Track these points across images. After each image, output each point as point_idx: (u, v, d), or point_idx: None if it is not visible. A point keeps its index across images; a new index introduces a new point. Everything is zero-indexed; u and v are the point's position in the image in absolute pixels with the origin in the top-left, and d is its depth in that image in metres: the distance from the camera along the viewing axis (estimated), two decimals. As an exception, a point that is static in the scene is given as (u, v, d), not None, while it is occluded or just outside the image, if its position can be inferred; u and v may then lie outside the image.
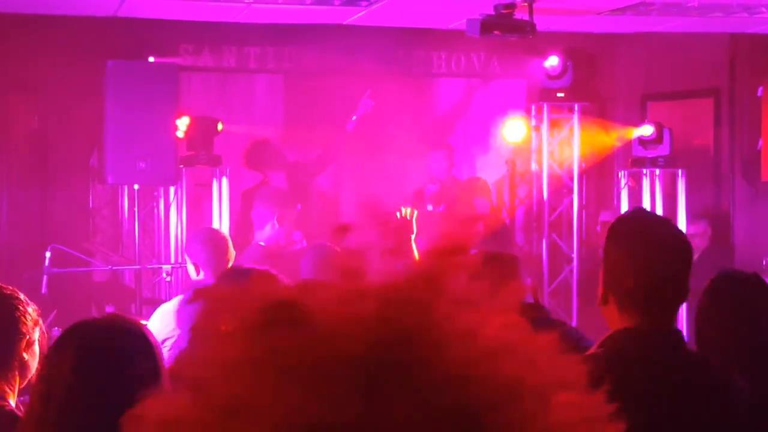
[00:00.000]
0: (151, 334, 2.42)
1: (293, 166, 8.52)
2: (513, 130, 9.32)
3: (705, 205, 9.17)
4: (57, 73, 7.96)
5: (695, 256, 8.45)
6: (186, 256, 5.16)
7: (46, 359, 2.40)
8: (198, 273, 4.90)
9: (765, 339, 3.14)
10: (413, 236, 5.35)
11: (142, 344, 2.35)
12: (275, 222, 7.01)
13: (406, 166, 9.34)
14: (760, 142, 7.65)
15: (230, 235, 7.85)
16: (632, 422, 2.38)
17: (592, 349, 2.62)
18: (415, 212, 5.48)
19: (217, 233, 5.20)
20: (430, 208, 7.75)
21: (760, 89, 7.76)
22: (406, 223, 5.38)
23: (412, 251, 5.34)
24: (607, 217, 8.80)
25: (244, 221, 7.75)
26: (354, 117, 8.47)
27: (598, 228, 8.73)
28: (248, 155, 8.41)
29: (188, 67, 8.73)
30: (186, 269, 5.47)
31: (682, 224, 7.59)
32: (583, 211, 9.60)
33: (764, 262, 8.74)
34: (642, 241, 2.51)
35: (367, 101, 8.46)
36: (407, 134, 9.27)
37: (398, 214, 5.44)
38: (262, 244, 7.06)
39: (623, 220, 2.63)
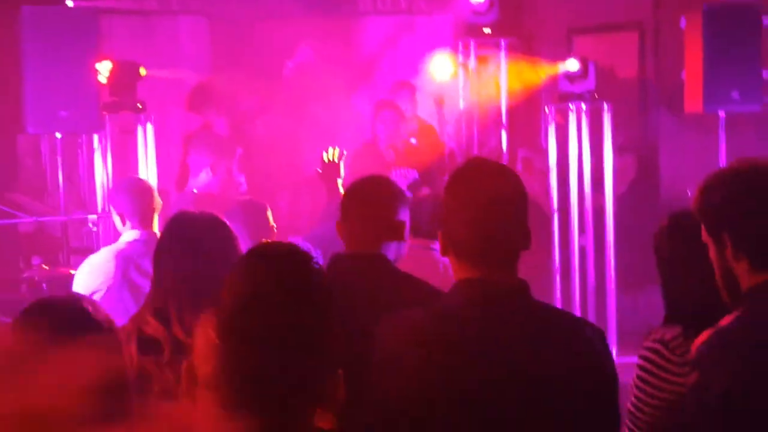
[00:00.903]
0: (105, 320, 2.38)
1: (235, 111, 8.41)
2: (440, 67, 9.29)
3: (631, 138, 9.26)
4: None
5: (623, 188, 8.52)
6: (111, 207, 5.09)
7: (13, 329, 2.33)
8: (124, 224, 4.83)
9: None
10: (340, 180, 5.34)
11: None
12: (209, 170, 6.95)
13: (335, 108, 9.29)
14: (684, 73, 7.71)
15: (169, 180, 7.81)
16: (470, 373, 2.38)
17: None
18: (344, 153, 5.45)
19: (141, 182, 5.13)
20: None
21: (683, 20, 7.81)
22: (333, 166, 5.37)
23: (339, 194, 5.34)
24: (526, 153, 8.85)
25: (185, 166, 7.66)
26: (290, 64, 8.37)
27: (519, 166, 8.77)
28: (191, 98, 8.27)
29: (108, 10, 8.55)
30: (111, 218, 5.40)
31: (608, 158, 7.66)
32: (512, 146, 9.64)
33: (689, 192, 8.87)
34: (471, 193, 2.48)
35: (305, 49, 8.36)
36: (334, 75, 9.20)
37: (324, 155, 5.41)
38: (195, 191, 7.00)
39: (456, 171, 2.59)
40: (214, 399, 1.54)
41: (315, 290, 1.57)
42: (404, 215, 3.26)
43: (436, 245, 4.40)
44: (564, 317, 2.58)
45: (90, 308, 2.37)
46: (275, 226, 5.11)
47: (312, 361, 1.55)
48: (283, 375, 1.52)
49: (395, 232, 3.20)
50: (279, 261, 1.59)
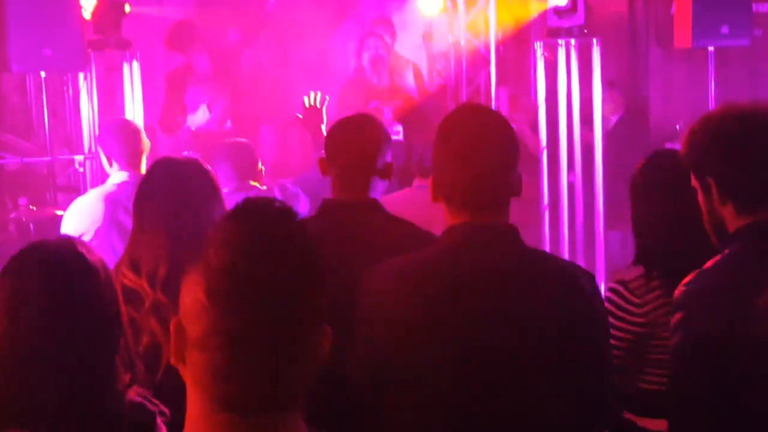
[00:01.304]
0: (99, 263, 2.37)
1: (216, 48, 8.32)
2: (428, 2, 9.20)
3: (620, 73, 9.22)
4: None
5: (611, 124, 8.49)
6: (99, 148, 5.06)
7: (7, 284, 2.31)
8: (111, 165, 4.81)
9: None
10: (323, 124, 5.27)
11: (100, 272, 2.35)
12: (206, 108, 6.93)
13: (320, 43, 9.21)
14: (673, 8, 7.66)
15: (156, 119, 7.75)
16: (459, 318, 2.39)
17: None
18: (327, 98, 5.37)
19: (129, 123, 5.09)
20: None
21: (673, -47, 7.74)
22: (315, 110, 5.28)
23: (323, 138, 5.29)
24: (512, 90, 8.79)
25: (169, 104, 7.61)
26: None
27: (505, 104, 8.71)
28: (170, 37, 8.18)
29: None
30: (99, 159, 5.37)
31: (597, 94, 7.63)
32: (501, 83, 9.59)
33: (678, 127, 8.87)
34: (461, 137, 2.49)
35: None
36: (321, 9, 9.12)
37: (306, 101, 5.32)
38: (192, 129, 6.98)
39: (447, 116, 2.58)
40: (204, 358, 1.54)
41: (303, 249, 1.57)
42: (390, 155, 3.24)
43: None
44: (554, 261, 2.58)
45: (84, 251, 2.37)
46: (263, 168, 5.09)
47: (302, 319, 1.54)
48: (274, 336, 1.52)
49: (383, 173, 3.19)
50: (266, 220, 1.58)
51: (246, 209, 1.61)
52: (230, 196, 4.89)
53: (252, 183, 5.02)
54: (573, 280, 2.46)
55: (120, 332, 2.37)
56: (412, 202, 3.45)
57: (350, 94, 7.36)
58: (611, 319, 3.23)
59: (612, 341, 3.23)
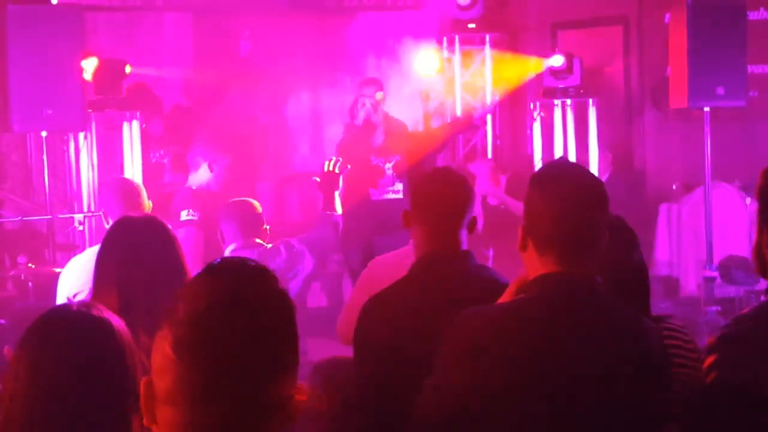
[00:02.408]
0: (123, 331, 2.35)
1: (173, 110, 8.36)
2: (425, 62, 9.30)
3: (616, 134, 9.29)
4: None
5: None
6: (101, 207, 5.08)
7: (31, 346, 2.26)
8: (108, 223, 4.81)
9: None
10: (337, 191, 5.31)
11: (111, 346, 2.30)
12: (206, 167, 6.96)
13: (321, 102, 9.30)
14: (669, 69, 7.74)
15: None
16: (547, 364, 2.42)
17: (507, 295, 2.65)
18: (348, 166, 5.42)
19: (129, 183, 5.10)
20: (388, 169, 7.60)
21: (668, 15, 7.84)
22: (332, 176, 5.32)
23: (334, 205, 5.32)
24: (485, 165, 8.75)
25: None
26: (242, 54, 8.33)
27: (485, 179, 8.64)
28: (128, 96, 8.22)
29: (93, 7, 8.52)
30: (98, 217, 5.40)
31: (594, 153, 7.69)
32: (497, 141, 9.67)
33: (674, 186, 8.93)
34: (558, 188, 2.55)
35: (245, 44, 8.33)
36: (320, 70, 9.21)
37: (326, 165, 5.36)
38: (194, 188, 7.01)
39: (545, 167, 2.70)
40: (173, 414, 1.54)
41: (274, 306, 1.57)
42: (475, 209, 3.31)
43: None
44: (629, 310, 2.64)
45: (109, 318, 2.34)
46: (268, 228, 5.11)
47: (270, 374, 1.55)
48: (240, 388, 1.52)
49: (470, 227, 3.24)
50: (237, 276, 1.59)
51: (219, 266, 1.62)
52: (236, 253, 4.91)
53: (257, 241, 5.05)
54: (655, 334, 2.57)
55: (137, 400, 2.32)
56: (411, 259, 3.45)
57: (348, 152, 7.41)
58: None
59: None
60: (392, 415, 2.94)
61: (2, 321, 6.01)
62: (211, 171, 6.98)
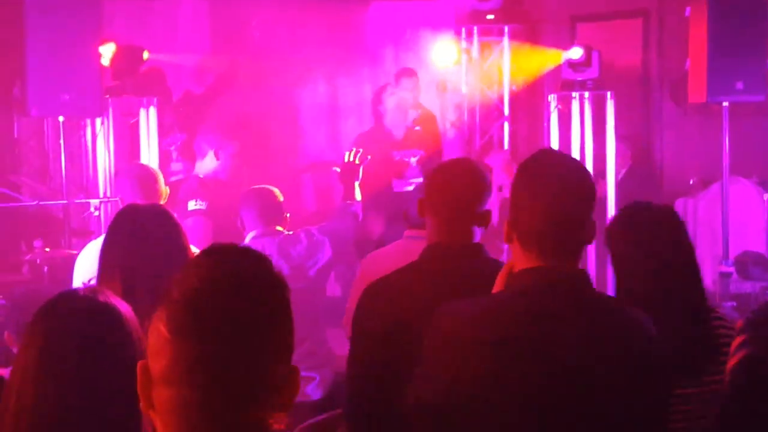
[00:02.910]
0: (130, 317, 2.35)
1: (183, 98, 8.34)
2: (443, 53, 9.27)
3: (633, 127, 9.25)
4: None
5: (617, 176, 8.48)
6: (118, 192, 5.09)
7: (39, 332, 2.27)
8: (125, 209, 4.83)
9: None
10: (357, 182, 5.33)
11: (117, 331, 2.30)
12: (213, 155, 6.98)
13: (337, 91, 9.28)
14: (688, 63, 7.69)
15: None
16: (524, 359, 2.39)
17: (496, 286, 2.63)
18: (368, 157, 5.44)
19: (145, 169, 5.11)
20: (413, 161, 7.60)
21: (688, 9, 7.79)
22: (353, 167, 5.36)
23: (354, 195, 5.34)
24: (500, 157, 8.75)
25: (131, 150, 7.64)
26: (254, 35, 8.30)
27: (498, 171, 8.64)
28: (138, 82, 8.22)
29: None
30: (114, 203, 5.40)
31: (611, 147, 7.66)
32: (514, 133, 9.64)
33: (691, 181, 8.88)
34: (543, 182, 2.50)
35: (254, 32, 8.31)
36: (338, 60, 9.19)
37: (346, 156, 5.40)
38: (201, 176, 7.02)
39: (530, 159, 2.61)
40: (169, 395, 1.55)
41: (267, 286, 1.57)
42: (490, 203, 3.26)
43: None
44: (621, 307, 2.58)
45: (116, 304, 2.35)
46: (288, 214, 5.12)
47: (262, 354, 1.55)
48: (236, 370, 1.52)
49: (481, 221, 3.18)
50: (231, 258, 1.60)
51: (213, 250, 1.63)
52: (256, 240, 4.92)
53: (278, 228, 5.05)
54: (642, 327, 2.48)
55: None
56: (405, 254, 3.44)
57: (368, 143, 7.41)
58: None
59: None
60: (385, 404, 2.92)
61: (2, 301, 6.03)
62: (218, 159, 6.98)
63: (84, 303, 2.31)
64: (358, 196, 5.35)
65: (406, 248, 4.30)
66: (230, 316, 1.53)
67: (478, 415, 2.40)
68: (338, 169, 5.39)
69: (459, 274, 3.07)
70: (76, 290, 2.39)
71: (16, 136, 8.60)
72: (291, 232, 5.06)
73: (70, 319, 2.28)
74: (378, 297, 3.17)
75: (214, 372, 1.52)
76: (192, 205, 6.66)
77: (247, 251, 1.62)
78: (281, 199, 5.13)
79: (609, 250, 3.38)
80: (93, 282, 4.37)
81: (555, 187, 2.49)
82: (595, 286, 2.60)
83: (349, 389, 3.19)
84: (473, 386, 2.39)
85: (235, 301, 1.54)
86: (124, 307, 2.34)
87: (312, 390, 5.02)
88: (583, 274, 2.50)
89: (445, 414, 2.44)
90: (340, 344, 4.94)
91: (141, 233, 3.27)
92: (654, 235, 3.25)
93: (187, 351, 1.53)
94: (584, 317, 2.44)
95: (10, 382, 2.27)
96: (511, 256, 2.59)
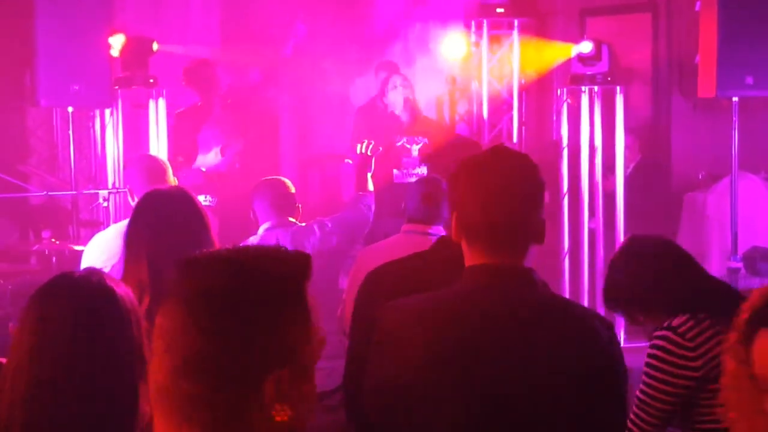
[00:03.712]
0: (127, 298, 2.37)
1: (230, 90, 8.37)
2: (453, 46, 9.27)
3: (643, 121, 9.23)
4: (-15, -8, 7.75)
5: (627, 170, 8.44)
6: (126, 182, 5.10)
7: (34, 312, 2.31)
8: (133, 199, 4.83)
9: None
10: (370, 173, 5.36)
11: (113, 312, 2.33)
12: (218, 151, 6.98)
13: (346, 83, 9.27)
14: (698, 58, 7.67)
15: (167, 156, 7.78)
16: (480, 357, 2.35)
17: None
18: (380, 148, 5.46)
19: (154, 160, 5.12)
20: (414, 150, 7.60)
21: (698, 3, 7.76)
22: (365, 158, 5.39)
23: (366, 186, 5.36)
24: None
25: (176, 143, 7.65)
26: (289, 45, 8.32)
27: None
28: (187, 74, 8.23)
29: (121, -16, 8.53)
30: (123, 194, 5.41)
31: (620, 141, 7.64)
32: (523, 127, 9.63)
33: (700, 176, 8.87)
34: (487, 178, 2.45)
35: (300, 27, 8.31)
36: (346, 52, 9.18)
37: (358, 148, 5.43)
38: (203, 169, 7.02)
39: (472, 156, 2.54)
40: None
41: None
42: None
43: (434, 230, 4.37)
44: (570, 307, 2.53)
45: (112, 284, 2.36)
46: (300, 205, 5.12)
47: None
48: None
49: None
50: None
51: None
52: (270, 232, 4.93)
53: (291, 220, 5.06)
54: (589, 326, 2.40)
55: (144, 366, 2.35)
56: (403, 248, 3.42)
57: (362, 120, 7.42)
58: (663, 366, 3.31)
59: (665, 387, 3.31)
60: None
61: (9, 291, 6.05)
62: (222, 155, 6.99)
63: (79, 284, 2.34)
64: (371, 187, 5.37)
65: (404, 242, 4.31)
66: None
67: (419, 412, 2.36)
68: (351, 161, 5.43)
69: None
70: (71, 272, 2.40)
71: (25, 126, 8.61)
72: (304, 224, 5.07)
73: (64, 300, 2.30)
74: (380, 283, 3.15)
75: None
76: (200, 200, 6.68)
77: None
78: (293, 190, 5.14)
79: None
80: (107, 269, 4.39)
81: (496, 183, 2.43)
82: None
83: (347, 369, 3.20)
84: (413, 383, 2.36)
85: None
86: (121, 289, 2.36)
87: (324, 380, 5.03)
88: (528, 272, 2.43)
89: (389, 408, 2.41)
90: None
91: (166, 215, 3.29)
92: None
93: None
94: (526, 316, 2.38)
95: (7, 365, 2.28)
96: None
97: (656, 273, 3.53)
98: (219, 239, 6.27)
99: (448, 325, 2.39)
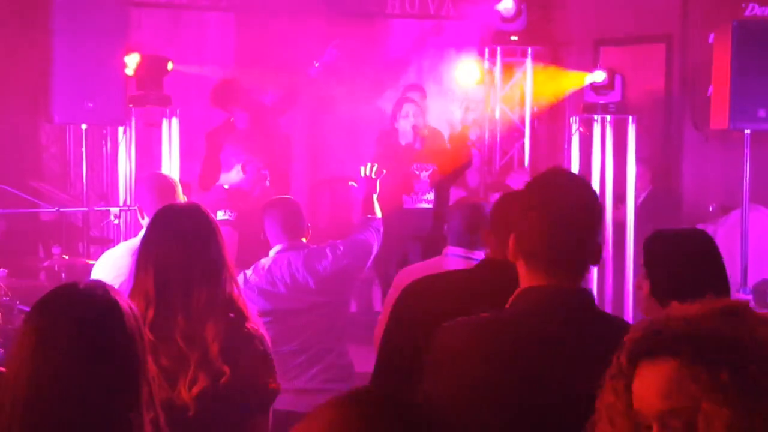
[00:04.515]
0: (129, 311, 2.36)
1: (258, 107, 8.41)
2: (466, 73, 9.30)
3: (655, 152, 9.23)
4: (2, 9, 7.80)
5: (638, 200, 8.47)
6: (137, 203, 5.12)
7: (35, 322, 2.29)
8: (143, 217, 4.84)
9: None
10: (376, 195, 5.36)
11: (116, 324, 2.32)
12: (240, 168, 7.00)
13: (360, 109, 9.30)
14: (710, 90, 7.68)
15: (192, 175, 7.82)
16: (544, 377, 2.34)
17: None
18: (384, 171, 5.47)
19: (164, 178, 5.13)
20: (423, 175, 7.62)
21: (712, 36, 7.78)
22: (369, 181, 5.41)
23: (374, 209, 5.36)
24: (520, 178, 8.75)
25: (208, 162, 7.68)
26: (317, 63, 8.35)
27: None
28: (214, 93, 8.27)
29: (138, 3, 8.59)
30: (134, 211, 5.43)
31: (631, 170, 7.64)
32: (535, 155, 9.63)
33: (710, 208, 8.85)
34: (548, 201, 2.48)
35: (332, 50, 8.35)
36: (360, 76, 9.21)
37: (362, 170, 5.44)
38: (226, 187, 7.04)
39: (536, 178, 2.59)
40: None
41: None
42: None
43: (476, 255, 4.36)
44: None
45: (116, 296, 2.36)
46: (309, 225, 5.13)
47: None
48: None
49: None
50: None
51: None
52: (282, 254, 4.93)
53: (303, 240, 5.06)
54: None
55: (144, 380, 2.33)
56: (443, 269, 3.43)
57: (381, 156, 7.43)
58: None
59: None
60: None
61: (19, 306, 6.06)
62: (245, 173, 7.01)
63: (81, 296, 2.32)
64: (378, 209, 5.37)
65: (445, 264, 4.31)
66: None
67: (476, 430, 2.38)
68: (354, 184, 5.43)
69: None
70: (75, 283, 2.38)
71: (38, 143, 8.65)
72: (316, 246, 5.07)
73: (65, 310, 2.28)
74: (420, 293, 3.13)
75: None
76: (220, 215, 6.70)
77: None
78: (300, 208, 5.15)
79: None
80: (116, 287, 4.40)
81: (563, 206, 2.47)
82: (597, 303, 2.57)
83: (376, 365, 3.18)
84: (471, 403, 2.37)
85: None
86: (124, 301, 2.35)
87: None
88: (587, 294, 2.49)
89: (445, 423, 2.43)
90: (359, 361, 4.95)
91: (177, 230, 3.30)
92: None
93: None
94: (588, 338, 2.40)
95: (6, 374, 2.27)
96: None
97: None
98: (237, 252, 6.29)
99: (513, 347, 2.41)
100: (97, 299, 2.32)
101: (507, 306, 2.55)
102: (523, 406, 2.35)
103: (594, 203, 2.52)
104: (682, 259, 3.17)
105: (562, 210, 2.46)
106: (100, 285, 2.39)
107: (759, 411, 1.64)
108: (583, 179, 2.70)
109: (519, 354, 2.39)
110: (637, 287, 3.14)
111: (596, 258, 2.50)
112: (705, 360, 1.67)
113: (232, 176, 7.12)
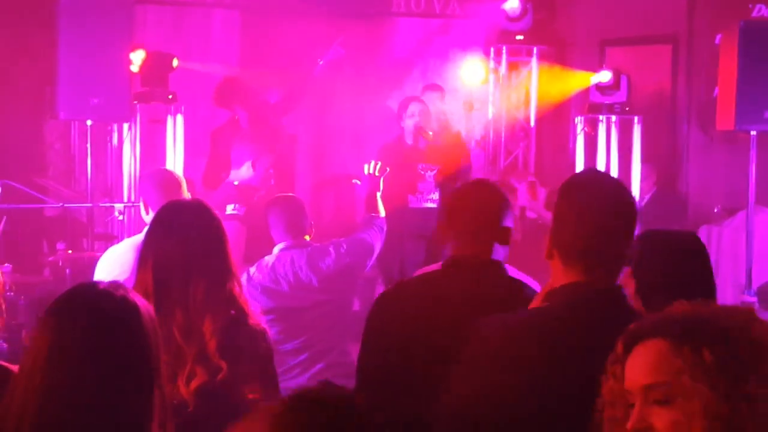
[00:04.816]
0: (147, 313, 2.35)
1: (262, 105, 8.40)
2: (471, 72, 9.29)
3: (660, 153, 9.22)
4: (9, 5, 7.80)
5: (643, 201, 8.47)
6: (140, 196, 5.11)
7: (51, 322, 2.26)
8: (147, 213, 4.84)
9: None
10: (379, 193, 5.38)
11: (133, 326, 2.30)
12: (250, 165, 7.01)
13: (365, 109, 9.29)
14: (716, 91, 7.66)
15: (196, 172, 7.82)
16: (574, 375, 2.38)
17: (534, 303, 2.63)
18: (387, 169, 5.48)
19: (169, 174, 5.12)
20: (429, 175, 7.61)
21: (718, 37, 7.76)
22: (373, 179, 5.42)
23: (377, 207, 5.37)
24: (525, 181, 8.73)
25: (213, 160, 7.68)
26: (321, 61, 8.34)
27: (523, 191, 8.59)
28: (217, 92, 8.26)
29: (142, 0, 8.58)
30: (138, 207, 5.42)
31: (636, 171, 7.63)
32: (539, 155, 9.63)
33: (716, 209, 8.84)
34: (585, 199, 2.54)
35: (338, 48, 8.33)
36: (365, 75, 9.21)
37: (366, 168, 5.45)
38: (236, 183, 7.05)
39: (574, 177, 2.67)
40: None
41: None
42: (509, 221, 3.33)
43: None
44: None
45: (134, 298, 2.33)
46: (313, 223, 5.13)
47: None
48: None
49: (503, 236, 3.24)
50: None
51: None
52: (285, 252, 4.93)
53: (306, 238, 5.06)
54: None
55: (157, 385, 2.29)
56: None
57: (387, 156, 7.43)
58: None
59: None
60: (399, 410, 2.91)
61: (23, 301, 6.06)
62: (254, 169, 7.02)
63: (101, 297, 2.29)
64: (381, 208, 5.37)
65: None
66: None
67: (511, 427, 2.41)
68: (358, 182, 5.43)
69: (476, 287, 3.11)
70: (94, 283, 2.35)
71: (43, 139, 8.65)
72: (320, 245, 5.07)
73: (82, 311, 2.26)
74: (392, 304, 3.22)
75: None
76: (230, 209, 6.72)
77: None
78: (303, 206, 5.15)
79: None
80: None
81: (602, 204, 2.53)
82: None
83: (357, 377, 3.25)
84: (507, 399, 2.41)
85: None
86: (143, 303, 2.32)
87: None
88: (620, 291, 2.53)
89: (474, 421, 2.45)
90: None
91: (179, 226, 3.29)
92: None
93: None
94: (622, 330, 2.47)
95: (20, 373, 2.25)
96: (551, 273, 2.60)
97: None
98: (245, 247, 6.29)
99: (547, 341, 2.45)
100: (118, 301, 2.28)
101: (539, 303, 2.61)
102: (562, 403, 2.38)
103: (631, 200, 2.59)
104: (667, 259, 3.17)
105: (602, 207, 2.52)
106: (120, 287, 2.34)
107: (738, 398, 1.67)
108: (618, 179, 2.79)
109: (562, 349, 2.43)
110: (623, 285, 3.15)
111: (629, 260, 2.56)
112: (692, 338, 1.72)
113: (243, 172, 7.13)
